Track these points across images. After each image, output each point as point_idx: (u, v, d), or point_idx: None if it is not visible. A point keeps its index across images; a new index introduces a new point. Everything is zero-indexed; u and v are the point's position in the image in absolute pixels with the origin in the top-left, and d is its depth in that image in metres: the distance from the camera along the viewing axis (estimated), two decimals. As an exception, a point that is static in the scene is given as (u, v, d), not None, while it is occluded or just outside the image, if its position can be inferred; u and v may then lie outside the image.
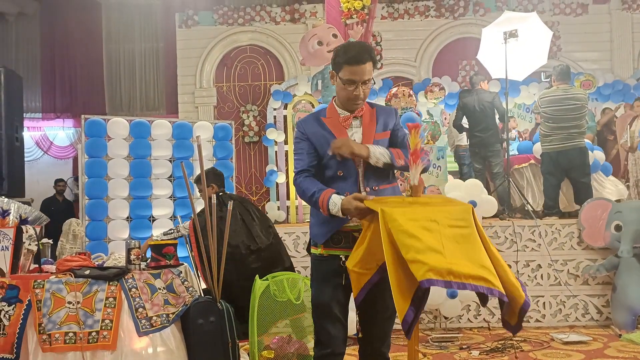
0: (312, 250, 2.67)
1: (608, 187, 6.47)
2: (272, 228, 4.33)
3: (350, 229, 2.57)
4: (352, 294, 2.48)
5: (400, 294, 2.14)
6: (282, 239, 5.59)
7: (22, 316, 3.16)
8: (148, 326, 3.24)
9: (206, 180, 4.18)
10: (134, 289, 3.32)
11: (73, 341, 3.14)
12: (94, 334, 3.18)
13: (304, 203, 8.55)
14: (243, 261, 3.98)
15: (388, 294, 2.27)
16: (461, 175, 7.54)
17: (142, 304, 3.29)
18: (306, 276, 3.69)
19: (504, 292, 2.12)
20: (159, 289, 3.39)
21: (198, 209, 3.80)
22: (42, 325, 3.13)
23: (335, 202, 2.44)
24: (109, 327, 3.20)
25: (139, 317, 3.25)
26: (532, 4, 9.15)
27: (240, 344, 3.50)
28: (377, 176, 2.62)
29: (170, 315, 3.32)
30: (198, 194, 4.59)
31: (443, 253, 2.12)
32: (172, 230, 4.35)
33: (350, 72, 2.55)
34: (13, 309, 3.16)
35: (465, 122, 7.14)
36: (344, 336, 2.60)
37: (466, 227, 2.26)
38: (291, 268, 4.24)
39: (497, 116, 6.90)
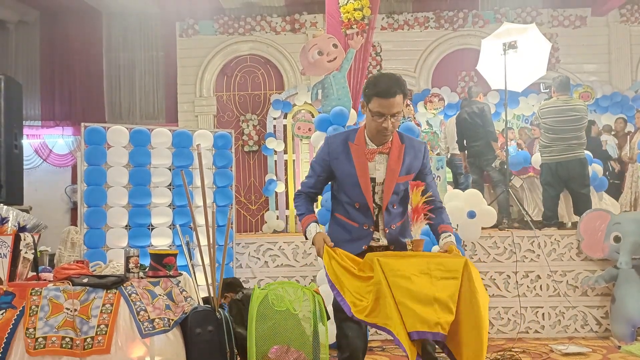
0: None
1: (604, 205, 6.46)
2: None
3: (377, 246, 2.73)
4: None
5: (408, 339, 2.25)
6: (281, 248, 5.62)
7: (13, 321, 3.13)
8: (150, 328, 3.22)
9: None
10: (134, 294, 3.31)
11: (69, 346, 3.12)
12: (89, 340, 3.16)
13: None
14: None
15: None
16: (456, 184, 7.55)
17: (143, 307, 3.28)
18: (305, 285, 3.68)
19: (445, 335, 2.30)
20: (159, 294, 3.37)
21: (198, 218, 3.78)
22: (37, 329, 3.10)
23: (311, 231, 2.66)
24: (103, 332, 3.18)
25: (141, 319, 3.23)
26: (531, 16, 9.22)
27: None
28: (394, 216, 2.73)
29: (170, 321, 3.30)
30: (199, 203, 4.59)
31: (434, 307, 2.29)
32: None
33: (380, 104, 2.55)
34: (3, 314, 3.14)
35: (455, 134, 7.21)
36: (362, 339, 2.62)
37: (455, 279, 2.40)
38: None
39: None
